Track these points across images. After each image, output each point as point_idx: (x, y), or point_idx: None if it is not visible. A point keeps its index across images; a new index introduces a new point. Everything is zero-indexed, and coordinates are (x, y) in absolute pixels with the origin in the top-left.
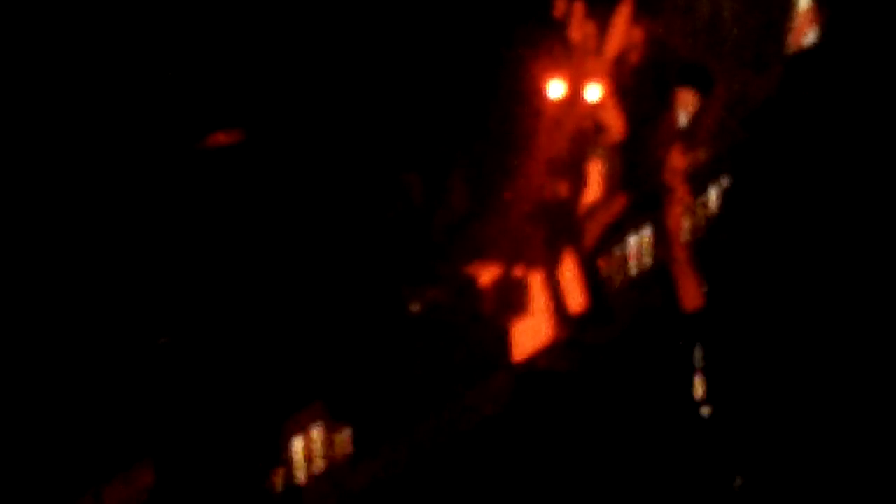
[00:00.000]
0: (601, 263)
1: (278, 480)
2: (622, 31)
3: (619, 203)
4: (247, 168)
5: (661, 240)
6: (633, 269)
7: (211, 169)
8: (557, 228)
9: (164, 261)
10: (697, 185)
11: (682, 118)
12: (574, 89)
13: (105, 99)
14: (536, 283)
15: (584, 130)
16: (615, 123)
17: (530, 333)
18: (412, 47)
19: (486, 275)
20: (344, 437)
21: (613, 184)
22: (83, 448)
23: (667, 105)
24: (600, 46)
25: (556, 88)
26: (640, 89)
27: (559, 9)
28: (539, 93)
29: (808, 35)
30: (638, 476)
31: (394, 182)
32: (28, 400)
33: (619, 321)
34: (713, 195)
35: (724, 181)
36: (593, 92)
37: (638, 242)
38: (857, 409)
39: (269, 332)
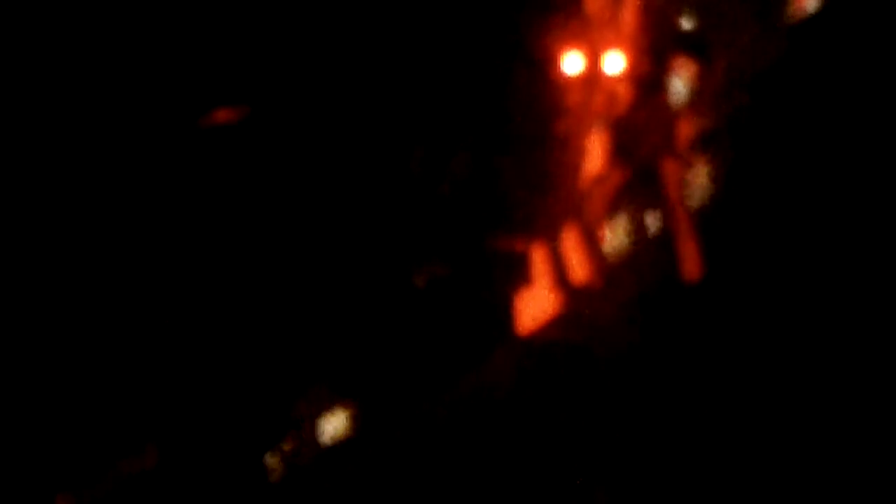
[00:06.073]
0: (602, 234)
1: (283, 462)
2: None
3: (621, 174)
4: (248, 142)
5: (663, 210)
6: (635, 241)
7: (216, 145)
8: (560, 200)
9: (167, 240)
10: (700, 153)
11: (683, 86)
12: (590, 61)
13: (100, 77)
14: (539, 255)
15: (590, 101)
16: (622, 94)
17: (535, 307)
18: (420, 19)
19: (490, 247)
20: (348, 415)
21: (615, 154)
22: (91, 430)
23: (666, 73)
24: (616, 16)
25: (571, 60)
26: (641, 58)
27: None
28: (550, 64)
29: (811, 1)
30: (644, 449)
31: (397, 154)
32: (37, 383)
33: (622, 293)
34: (716, 164)
35: (727, 150)
36: (613, 63)
37: (640, 213)
38: (863, 382)
39: (269, 312)
